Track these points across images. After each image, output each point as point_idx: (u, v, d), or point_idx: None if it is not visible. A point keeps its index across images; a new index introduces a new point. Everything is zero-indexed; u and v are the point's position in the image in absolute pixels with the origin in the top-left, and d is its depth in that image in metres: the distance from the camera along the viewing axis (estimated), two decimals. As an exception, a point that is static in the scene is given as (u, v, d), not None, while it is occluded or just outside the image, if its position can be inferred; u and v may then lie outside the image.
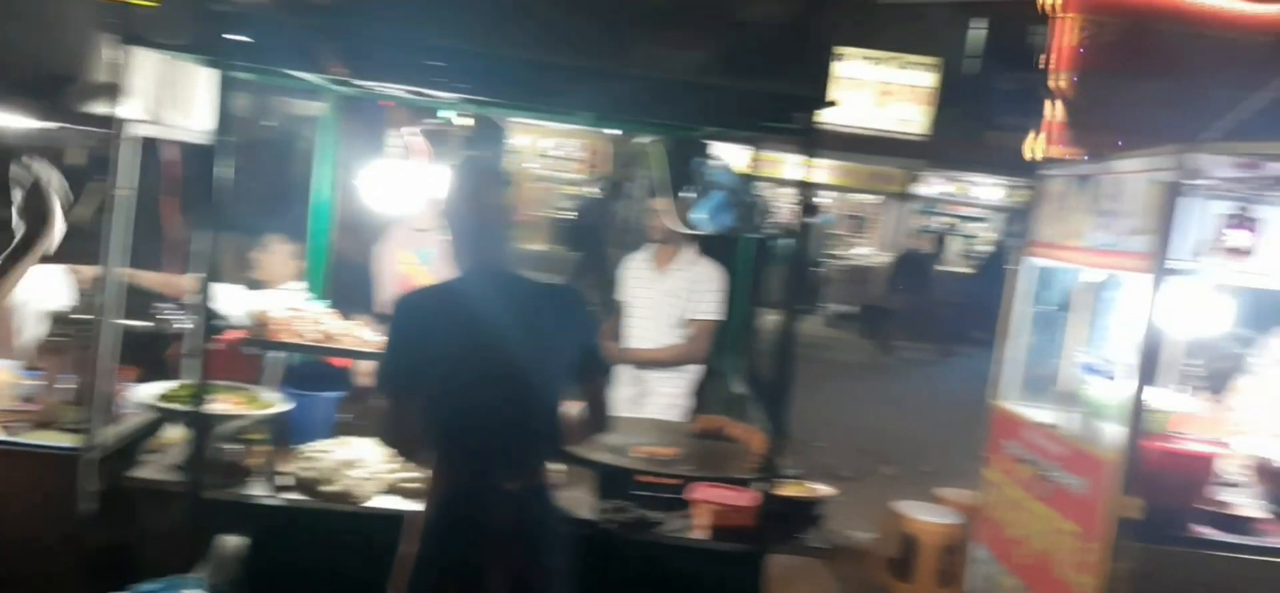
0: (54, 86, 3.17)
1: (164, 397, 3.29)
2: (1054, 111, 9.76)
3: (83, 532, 3.07)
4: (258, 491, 3.12)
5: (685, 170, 4.11)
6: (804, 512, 3.35)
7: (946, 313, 14.10)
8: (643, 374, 4.32)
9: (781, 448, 3.39)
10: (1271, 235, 3.38)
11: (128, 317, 3.29)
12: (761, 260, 4.59)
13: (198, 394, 2.98)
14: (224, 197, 2.83)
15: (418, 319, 2.55)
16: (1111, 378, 3.77)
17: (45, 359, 3.39)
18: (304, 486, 3.11)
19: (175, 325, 3.74)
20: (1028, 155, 9.71)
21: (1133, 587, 3.38)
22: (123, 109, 3.03)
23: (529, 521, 2.51)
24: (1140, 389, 3.40)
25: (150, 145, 3.33)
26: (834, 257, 16.68)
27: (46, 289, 3.57)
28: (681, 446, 3.60)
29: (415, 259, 4.26)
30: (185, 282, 3.81)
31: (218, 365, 3.11)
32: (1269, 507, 3.64)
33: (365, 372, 3.73)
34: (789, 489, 3.37)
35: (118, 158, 3.03)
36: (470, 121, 4.58)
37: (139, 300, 3.66)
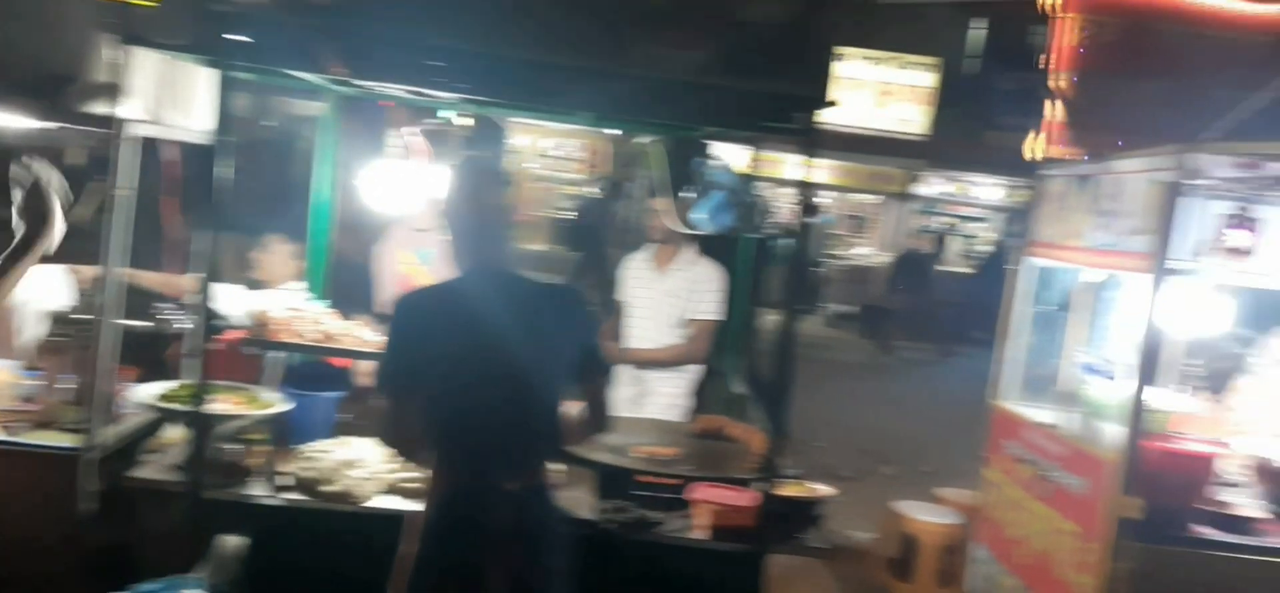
0: (54, 86, 3.17)
1: (164, 397, 3.29)
2: (1054, 111, 9.76)
3: (83, 532, 3.07)
4: (258, 491, 3.12)
5: (685, 170, 4.11)
6: (804, 512, 3.35)
7: (946, 313, 14.10)
8: (643, 374, 4.32)
9: (781, 448, 3.39)
10: (1271, 235, 3.37)
11: (128, 317, 3.29)
12: (761, 260, 4.59)
13: (198, 394, 2.98)
14: (224, 196, 2.83)
15: (417, 319, 2.55)
16: (1111, 378, 3.77)
17: (45, 359, 3.39)
18: (304, 486, 3.11)
19: (175, 325, 3.74)
20: (1028, 155, 9.71)
21: (1132, 587, 3.38)
22: (123, 109, 3.03)
23: (529, 521, 2.51)
24: (1140, 389, 3.40)
25: (150, 145, 3.33)
26: (834, 257, 16.68)
27: (46, 289, 3.57)
28: (681, 445, 3.60)
29: (415, 259, 4.26)
30: (185, 282, 3.81)
31: (218, 365, 3.11)
32: (1269, 507, 3.63)
33: (365, 372, 3.73)
34: (789, 489, 3.36)
35: (118, 158, 3.03)
36: (470, 122, 4.59)
37: (139, 300, 3.66)
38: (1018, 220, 14.72)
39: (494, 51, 2.97)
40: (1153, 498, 3.38)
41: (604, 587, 2.83)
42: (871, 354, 13.82)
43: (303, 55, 3.07)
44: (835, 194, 17.70)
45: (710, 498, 3.19)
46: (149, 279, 3.90)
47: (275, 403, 3.40)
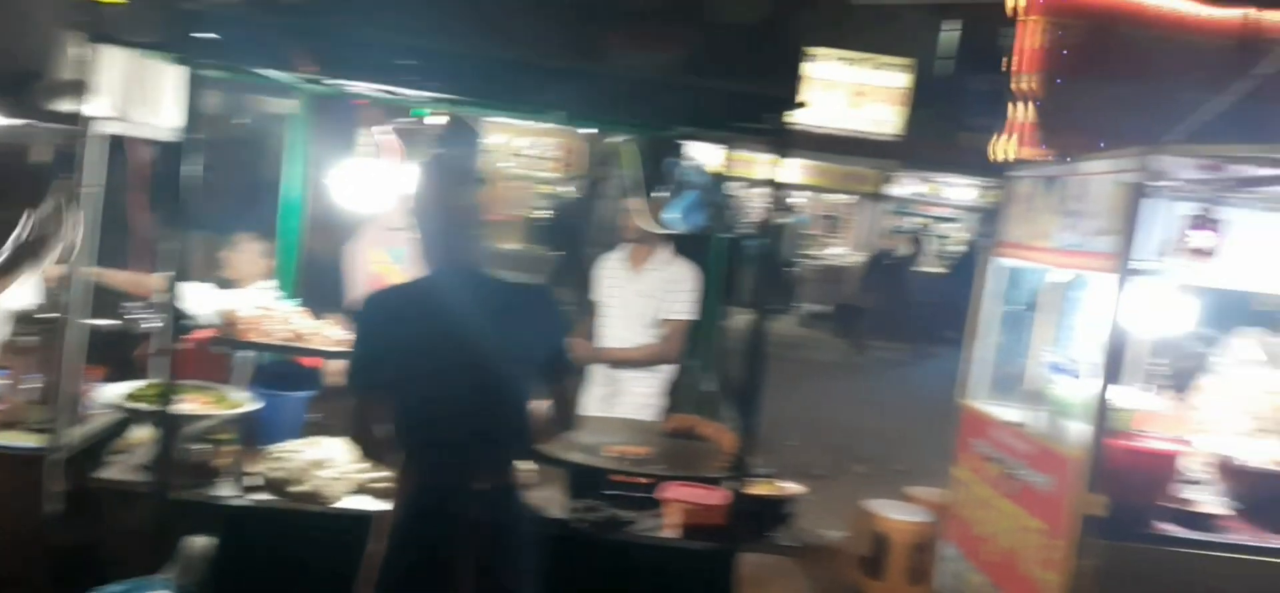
0: (20, 83, 3.14)
1: (131, 396, 3.27)
2: (1021, 113, 9.85)
3: (48, 533, 3.04)
4: (226, 491, 3.10)
5: (659, 170, 4.12)
6: (775, 510, 3.37)
7: (919, 312, 14.20)
8: (616, 374, 4.32)
9: (752, 447, 3.40)
10: (1233, 237, 3.43)
11: (95, 316, 3.27)
12: (734, 260, 4.60)
13: (165, 394, 2.96)
14: (193, 195, 2.82)
15: (385, 317, 2.55)
16: (1077, 377, 3.82)
17: (11, 359, 3.35)
18: (272, 486, 3.09)
19: (143, 325, 3.71)
20: (995, 157, 9.79)
21: (1097, 583, 3.43)
22: (90, 106, 3.01)
23: (497, 519, 2.51)
24: (1105, 388, 3.45)
25: (118, 143, 3.30)
26: (808, 256, 16.77)
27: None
28: (653, 445, 3.61)
29: (387, 258, 4.24)
30: (153, 280, 3.78)
31: (186, 365, 3.09)
32: (1231, 504, 3.70)
33: (336, 371, 3.72)
34: (760, 488, 3.38)
35: (85, 155, 3.00)
36: (443, 120, 4.57)
37: (106, 299, 3.63)
38: (990, 221, 14.83)
39: (466, 50, 2.97)
40: (1117, 495, 3.43)
41: (575, 586, 2.83)
42: (845, 354, 13.90)
43: (272, 53, 3.05)
44: (809, 194, 17.81)
45: (681, 497, 3.20)
46: (116, 278, 3.86)
47: (244, 403, 3.38)
